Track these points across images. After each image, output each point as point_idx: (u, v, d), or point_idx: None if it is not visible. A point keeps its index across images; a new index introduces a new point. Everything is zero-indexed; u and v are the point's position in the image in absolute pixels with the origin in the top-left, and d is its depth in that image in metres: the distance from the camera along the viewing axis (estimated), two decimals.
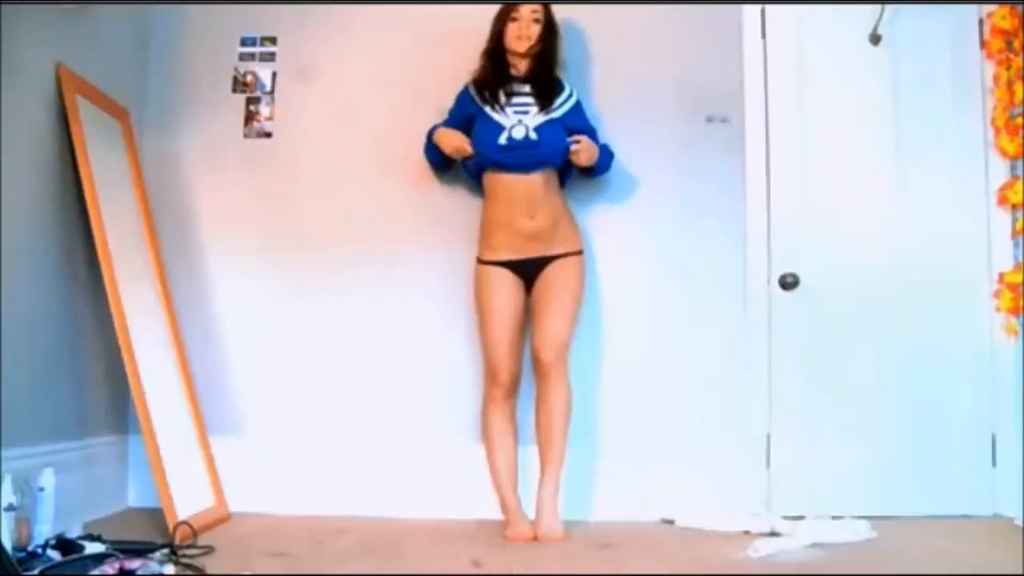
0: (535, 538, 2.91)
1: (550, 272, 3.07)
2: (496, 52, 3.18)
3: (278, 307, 3.43)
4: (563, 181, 3.18)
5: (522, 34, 3.12)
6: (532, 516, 2.98)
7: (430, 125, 3.32)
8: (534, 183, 3.05)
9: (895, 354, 3.37)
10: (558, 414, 2.96)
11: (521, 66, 3.16)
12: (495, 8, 3.19)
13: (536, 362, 3.00)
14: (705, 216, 3.43)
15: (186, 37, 3.55)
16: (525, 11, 3.13)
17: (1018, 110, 3.26)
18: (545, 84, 3.14)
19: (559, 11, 3.27)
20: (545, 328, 3.00)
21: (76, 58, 2.96)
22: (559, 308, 3.03)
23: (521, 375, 3.13)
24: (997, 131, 3.36)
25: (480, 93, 3.15)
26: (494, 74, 3.16)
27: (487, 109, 3.11)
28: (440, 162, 3.29)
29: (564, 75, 3.24)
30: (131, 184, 3.27)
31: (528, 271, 3.10)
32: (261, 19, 3.54)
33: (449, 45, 3.42)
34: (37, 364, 2.77)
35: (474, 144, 3.11)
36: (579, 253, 3.14)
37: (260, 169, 3.49)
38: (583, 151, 3.09)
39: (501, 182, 3.07)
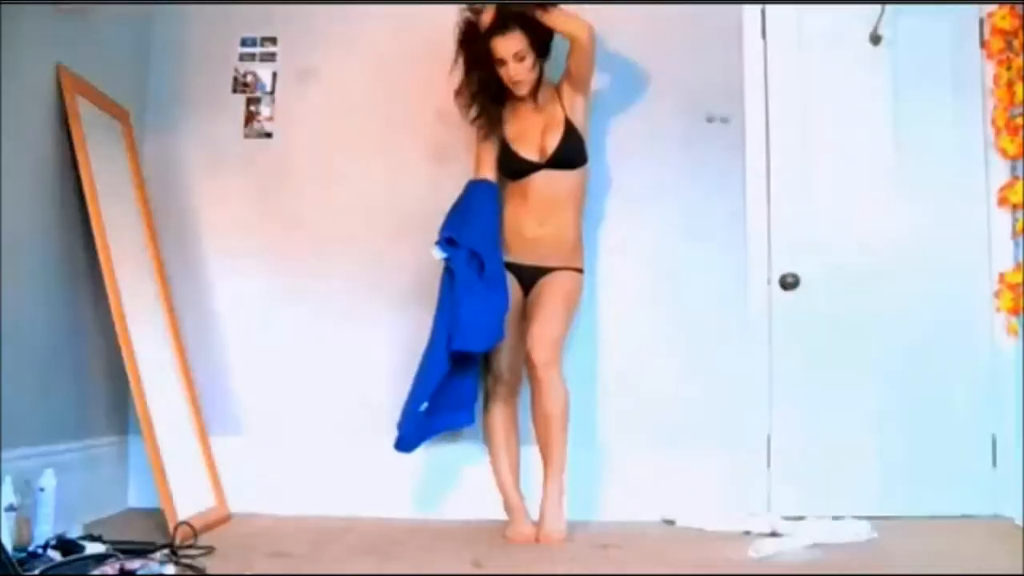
0: (536, 539, 2.91)
1: (545, 280, 3.09)
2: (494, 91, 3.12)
3: (278, 307, 3.43)
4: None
5: (513, 79, 3.04)
6: (536, 517, 2.99)
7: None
8: (559, 189, 3.06)
9: (895, 354, 3.37)
10: (555, 415, 2.94)
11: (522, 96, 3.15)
12: None
13: (528, 363, 2.99)
14: (705, 216, 3.43)
15: (186, 37, 3.55)
16: (506, 54, 3.00)
17: (1018, 110, 3.26)
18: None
19: None
20: (536, 329, 2.99)
21: (76, 58, 2.96)
22: (551, 310, 3.02)
23: (522, 374, 3.14)
24: (997, 131, 3.35)
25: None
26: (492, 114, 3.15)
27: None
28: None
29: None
30: (131, 184, 3.27)
31: (525, 278, 3.11)
32: (261, 20, 3.54)
33: (449, 45, 3.40)
34: (37, 365, 2.77)
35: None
36: (578, 271, 3.14)
37: (260, 169, 3.49)
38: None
39: (527, 188, 3.08)
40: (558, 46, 3.17)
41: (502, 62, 3.03)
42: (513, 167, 3.11)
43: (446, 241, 3.01)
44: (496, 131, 3.16)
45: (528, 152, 3.09)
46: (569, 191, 3.10)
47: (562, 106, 3.12)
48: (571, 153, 3.09)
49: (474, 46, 3.07)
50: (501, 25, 2.99)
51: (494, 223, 3.11)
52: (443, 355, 2.93)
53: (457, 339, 2.90)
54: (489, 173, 3.18)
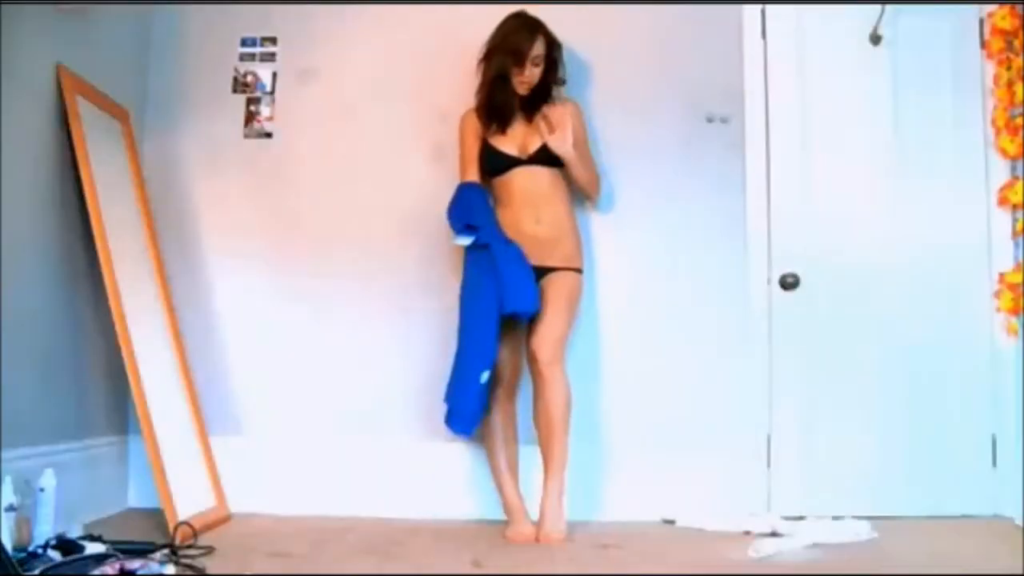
0: (536, 539, 2.91)
1: (548, 280, 3.10)
2: (502, 87, 3.14)
3: (278, 307, 3.43)
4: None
5: (524, 79, 3.12)
6: (535, 517, 2.98)
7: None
8: (541, 183, 3.10)
9: (895, 354, 3.37)
10: (557, 414, 2.95)
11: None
12: (496, 10, 3.17)
13: (532, 361, 3.01)
14: (705, 216, 3.43)
15: (186, 37, 3.55)
16: (528, 54, 3.09)
17: (1018, 110, 3.26)
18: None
19: (559, 12, 3.26)
20: (541, 328, 3.01)
21: (76, 58, 2.96)
22: (555, 309, 3.04)
23: (522, 375, 3.14)
24: (997, 131, 3.35)
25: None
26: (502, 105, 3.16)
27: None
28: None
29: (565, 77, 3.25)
30: (131, 184, 3.27)
31: None
32: (261, 19, 3.54)
33: (450, 45, 3.42)
34: (38, 365, 2.77)
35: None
36: (578, 271, 3.16)
37: (260, 169, 3.49)
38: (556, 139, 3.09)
39: (510, 184, 3.13)
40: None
41: (522, 60, 3.08)
42: (493, 162, 3.16)
43: (466, 228, 3.07)
44: (503, 125, 3.17)
45: (508, 148, 3.15)
46: (551, 186, 3.13)
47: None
48: (552, 150, 3.11)
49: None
50: (533, 31, 3.11)
51: (494, 215, 3.16)
52: (492, 324, 2.96)
53: (508, 302, 2.94)
54: (475, 175, 3.21)
